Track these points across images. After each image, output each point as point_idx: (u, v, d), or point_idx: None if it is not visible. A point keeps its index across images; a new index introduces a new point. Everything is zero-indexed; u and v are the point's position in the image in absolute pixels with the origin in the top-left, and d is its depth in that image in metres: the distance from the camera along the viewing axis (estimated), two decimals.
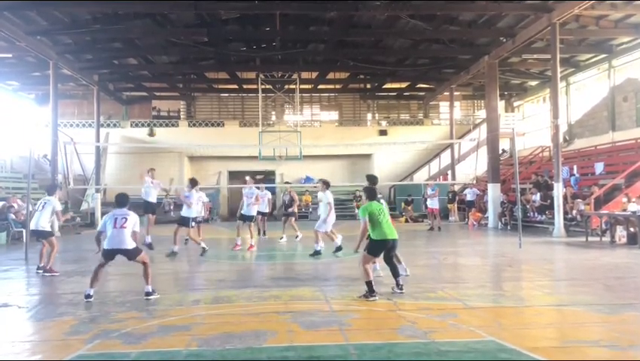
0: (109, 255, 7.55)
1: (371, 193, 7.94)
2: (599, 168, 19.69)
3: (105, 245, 7.56)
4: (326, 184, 12.45)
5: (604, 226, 15.00)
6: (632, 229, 13.65)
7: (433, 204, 19.55)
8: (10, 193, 19.82)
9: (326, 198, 12.19)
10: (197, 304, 7.09)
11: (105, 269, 7.83)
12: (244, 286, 8.49)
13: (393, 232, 7.65)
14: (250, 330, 5.67)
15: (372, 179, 8.98)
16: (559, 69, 17.42)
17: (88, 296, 7.40)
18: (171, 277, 9.91)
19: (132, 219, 7.66)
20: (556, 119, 17.15)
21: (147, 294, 7.51)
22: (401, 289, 7.64)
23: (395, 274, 7.76)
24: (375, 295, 7.18)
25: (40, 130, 26.99)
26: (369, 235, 7.55)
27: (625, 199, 15.57)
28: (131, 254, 7.59)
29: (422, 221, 20.88)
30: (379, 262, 8.10)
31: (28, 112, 29.50)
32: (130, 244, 7.55)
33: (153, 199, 14.23)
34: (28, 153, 14.17)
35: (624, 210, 14.58)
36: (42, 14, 18.11)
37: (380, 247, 7.58)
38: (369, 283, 7.25)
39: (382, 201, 8.49)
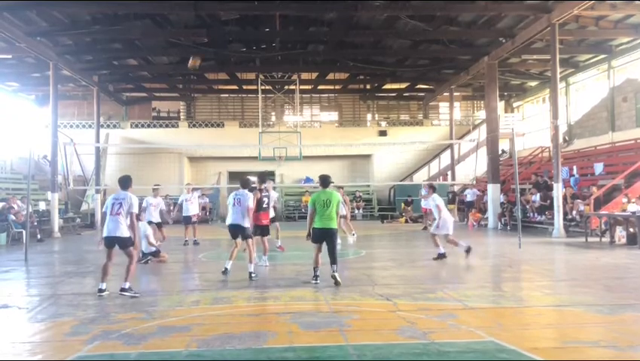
0: (107, 242, 7.87)
1: (324, 181, 8.81)
2: (599, 168, 19.69)
3: (104, 232, 7.90)
4: (432, 188, 12.18)
5: (603, 227, 15.00)
6: (631, 230, 13.66)
7: (427, 204, 19.91)
8: (10, 194, 19.83)
9: (434, 201, 11.74)
10: (197, 305, 7.09)
11: (112, 262, 8.02)
12: (244, 286, 8.49)
13: (330, 223, 8.48)
14: (250, 331, 5.68)
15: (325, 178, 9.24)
16: (558, 70, 17.42)
17: (100, 291, 7.69)
18: (171, 277, 9.91)
19: (127, 204, 7.80)
20: (555, 119, 17.15)
21: (122, 290, 7.65)
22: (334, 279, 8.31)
23: (332, 262, 8.42)
24: (315, 280, 8.36)
25: (40, 131, 27.01)
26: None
27: (625, 200, 15.57)
28: (123, 243, 7.82)
29: (422, 222, 21.01)
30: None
31: (28, 113, 29.51)
32: (124, 232, 7.77)
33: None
34: (28, 153, 14.17)
35: (624, 210, 14.59)
36: (42, 15, 18.12)
37: (318, 235, 8.51)
38: (314, 269, 8.52)
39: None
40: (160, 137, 29.67)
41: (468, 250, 11.50)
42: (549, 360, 4.62)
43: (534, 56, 23.73)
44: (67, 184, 24.69)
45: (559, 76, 17.60)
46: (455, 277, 9.47)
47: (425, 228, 19.88)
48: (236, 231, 9.53)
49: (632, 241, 13.47)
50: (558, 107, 17.43)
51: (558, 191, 16.49)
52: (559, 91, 17.89)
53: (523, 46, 19.56)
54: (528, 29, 18.36)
